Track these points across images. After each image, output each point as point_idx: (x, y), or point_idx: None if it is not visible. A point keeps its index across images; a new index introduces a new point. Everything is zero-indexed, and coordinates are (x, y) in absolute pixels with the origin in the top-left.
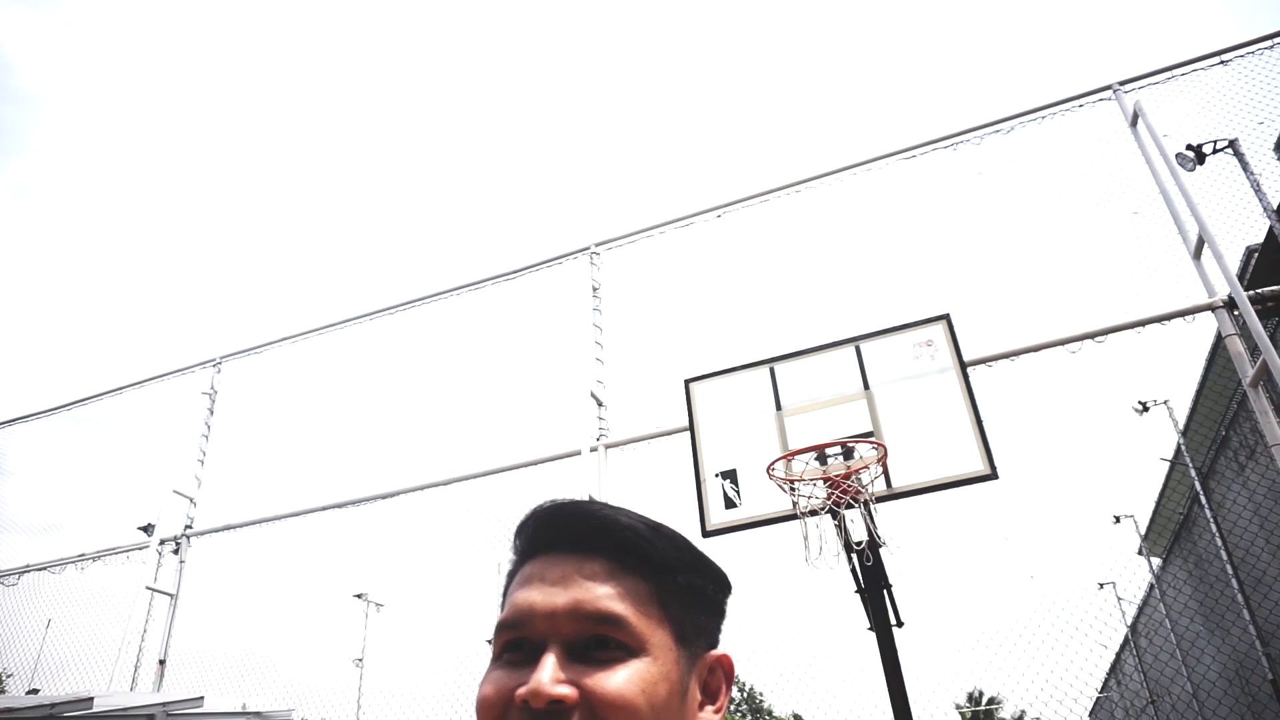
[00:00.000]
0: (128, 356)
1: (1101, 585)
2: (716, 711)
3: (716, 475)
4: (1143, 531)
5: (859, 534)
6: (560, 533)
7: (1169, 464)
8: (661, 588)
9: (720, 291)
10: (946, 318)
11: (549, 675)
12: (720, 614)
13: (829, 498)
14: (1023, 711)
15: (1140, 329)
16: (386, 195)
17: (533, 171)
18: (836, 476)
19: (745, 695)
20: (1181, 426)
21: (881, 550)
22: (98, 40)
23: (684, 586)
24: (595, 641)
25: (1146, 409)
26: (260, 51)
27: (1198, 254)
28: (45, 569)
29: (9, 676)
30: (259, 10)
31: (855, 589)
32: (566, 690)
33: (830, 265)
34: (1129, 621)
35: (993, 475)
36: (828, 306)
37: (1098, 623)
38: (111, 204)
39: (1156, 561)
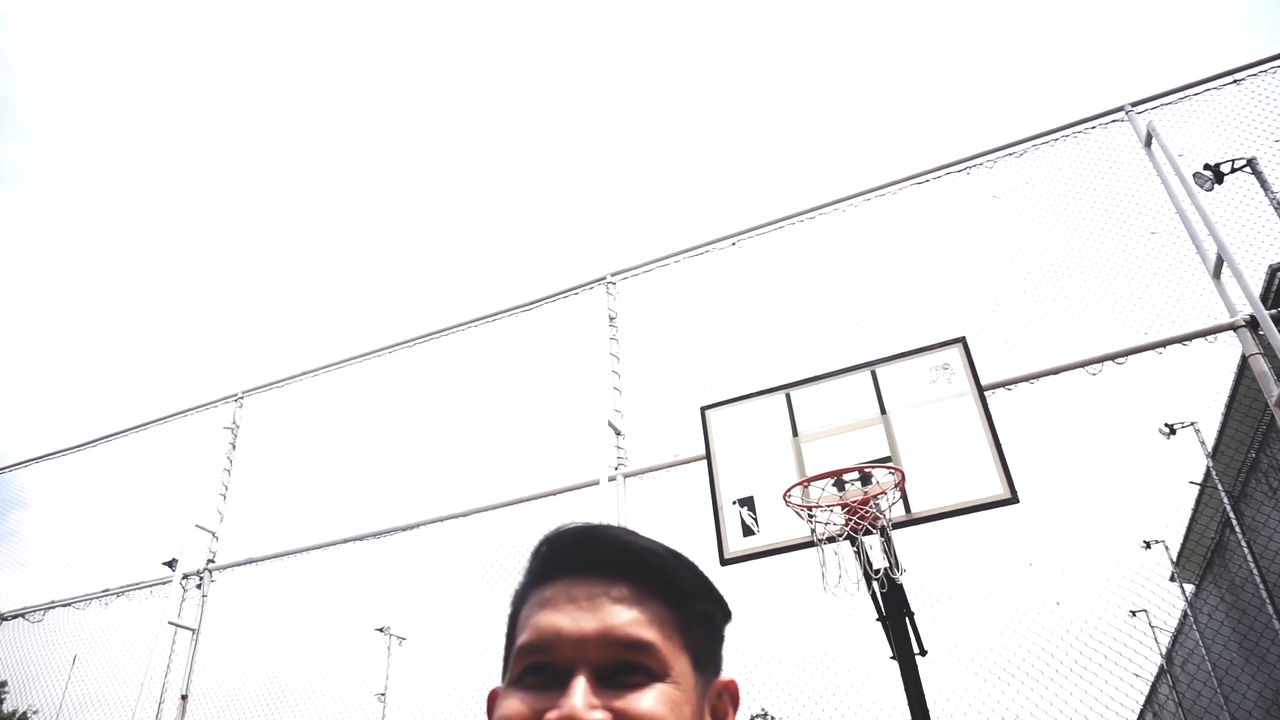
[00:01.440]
0: (150, 392)
1: (1134, 613)
2: None
3: (734, 503)
4: (1174, 557)
5: (878, 560)
6: (585, 556)
7: (1199, 487)
8: (682, 615)
9: (736, 319)
10: (963, 341)
11: (583, 700)
12: (723, 641)
13: (847, 524)
14: None
15: (1161, 350)
16: (403, 229)
17: (548, 203)
18: (854, 502)
19: None
20: (1210, 449)
21: (902, 577)
22: (116, 77)
23: (701, 614)
24: (624, 668)
25: (1174, 432)
26: (275, 89)
27: (1217, 273)
28: (70, 605)
29: (35, 714)
30: (282, 48)
31: (876, 617)
32: (601, 716)
33: (845, 291)
34: (1163, 650)
35: (1013, 499)
36: (843, 332)
37: (1129, 652)
38: (131, 240)
39: (1190, 588)
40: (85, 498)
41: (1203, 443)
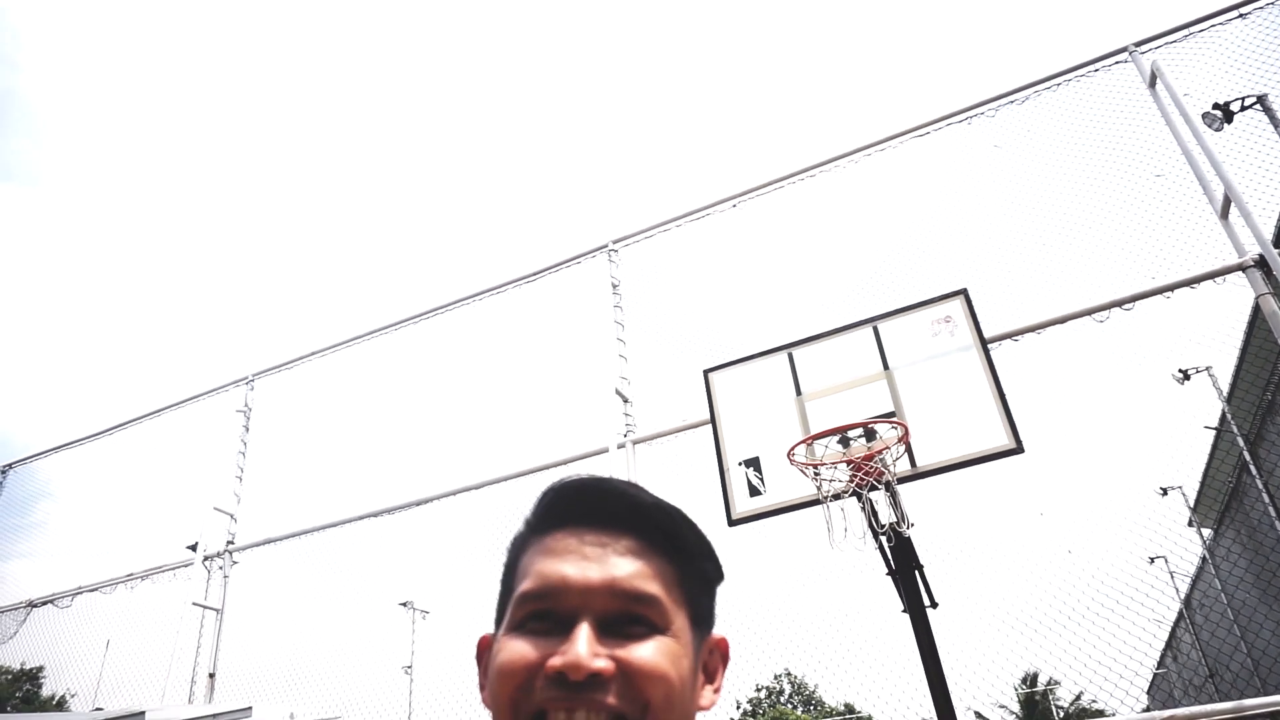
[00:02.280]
0: (164, 378)
1: (1153, 559)
2: (715, 690)
3: (740, 464)
4: (1192, 503)
5: (885, 515)
6: (592, 507)
7: (1215, 432)
8: (683, 571)
9: (739, 280)
10: (964, 293)
11: (587, 648)
12: (716, 599)
13: (852, 480)
14: (1080, 692)
15: (1169, 294)
16: (407, 206)
17: (550, 173)
18: (859, 459)
19: (795, 687)
20: (1226, 393)
21: (910, 531)
22: (120, 71)
23: (699, 571)
24: (627, 618)
25: (1188, 377)
26: (281, 75)
27: (1224, 214)
28: (97, 590)
29: (73, 696)
30: (280, 30)
31: (886, 571)
32: (605, 664)
33: (848, 248)
34: (1183, 596)
35: (1018, 449)
36: (847, 289)
37: (1151, 598)
38: (138, 230)
39: (1208, 533)
40: (106, 485)
41: (1218, 387)
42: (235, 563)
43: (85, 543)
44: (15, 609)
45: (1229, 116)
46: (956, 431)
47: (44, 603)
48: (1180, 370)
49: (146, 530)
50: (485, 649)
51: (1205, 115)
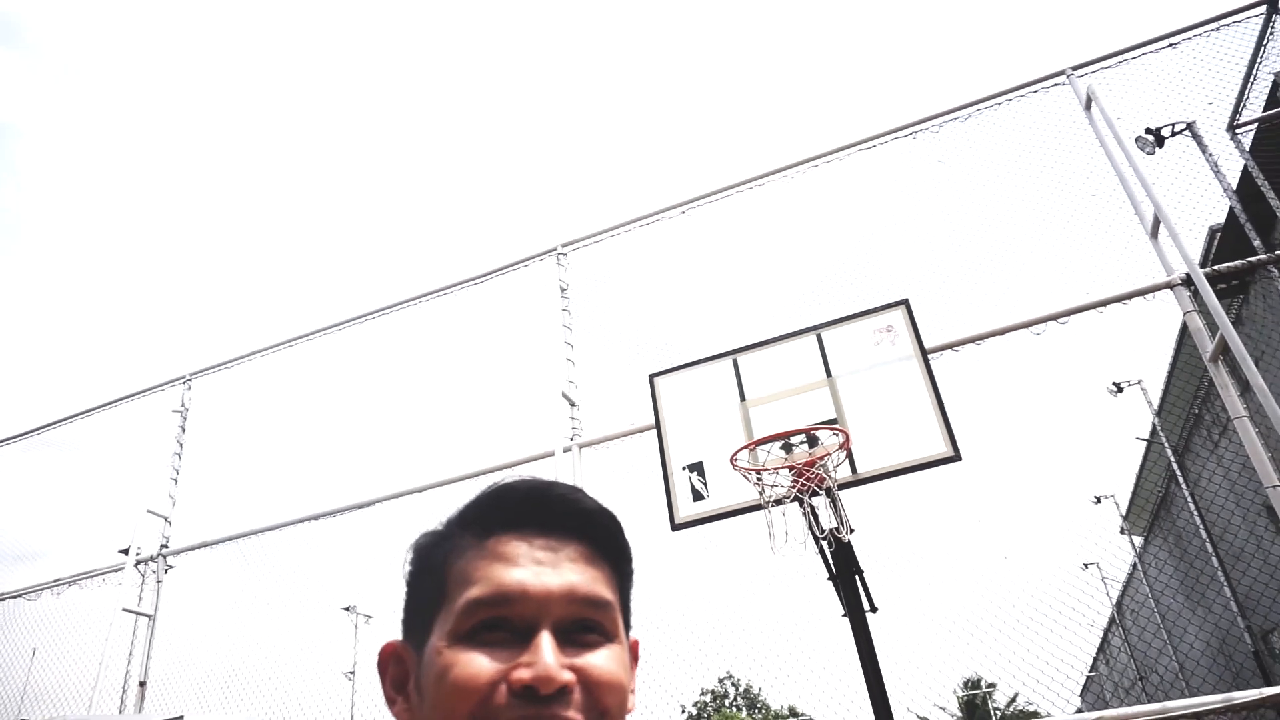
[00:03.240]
0: (96, 377)
1: (1086, 566)
2: (633, 692)
3: (684, 468)
4: (1123, 511)
5: (827, 521)
6: (538, 513)
7: (1145, 443)
8: (620, 575)
9: (687, 287)
10: (905, 303)
11: (554, 659)
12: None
13: (794, 486)
14: (1016, 694)
15: (1101, 309)
16: (350, 205)
17: (497, 176)
18: (800, 465)
19: (740, 691)
20: (1156, 406)
21: (850, 537)
22: (69, 54)
23: (629, 575)
24: (581, 625)
25: (1121, 390)
26: (226, 64)
27: (1154, 233)
28: (21, 596)
29: None
30: (223, 28)
31: (827, 576)
32: (570, 675)
33: (795, 256)
34: (1115, 600)
35: (956, 457)
36: (792, 297)
37: (1084, 603)
38: (76, 222)
39: (1139, 540)
40: (34, 487)
41: (1149, 400)
42: (170, 567)
43: (10, 547)
44: None
45: (1160, 141)
46: (896, 439)
47: None
48: (1114, 383)
49: (76, 534)
50: (391, 658)
51: (1138, 139)
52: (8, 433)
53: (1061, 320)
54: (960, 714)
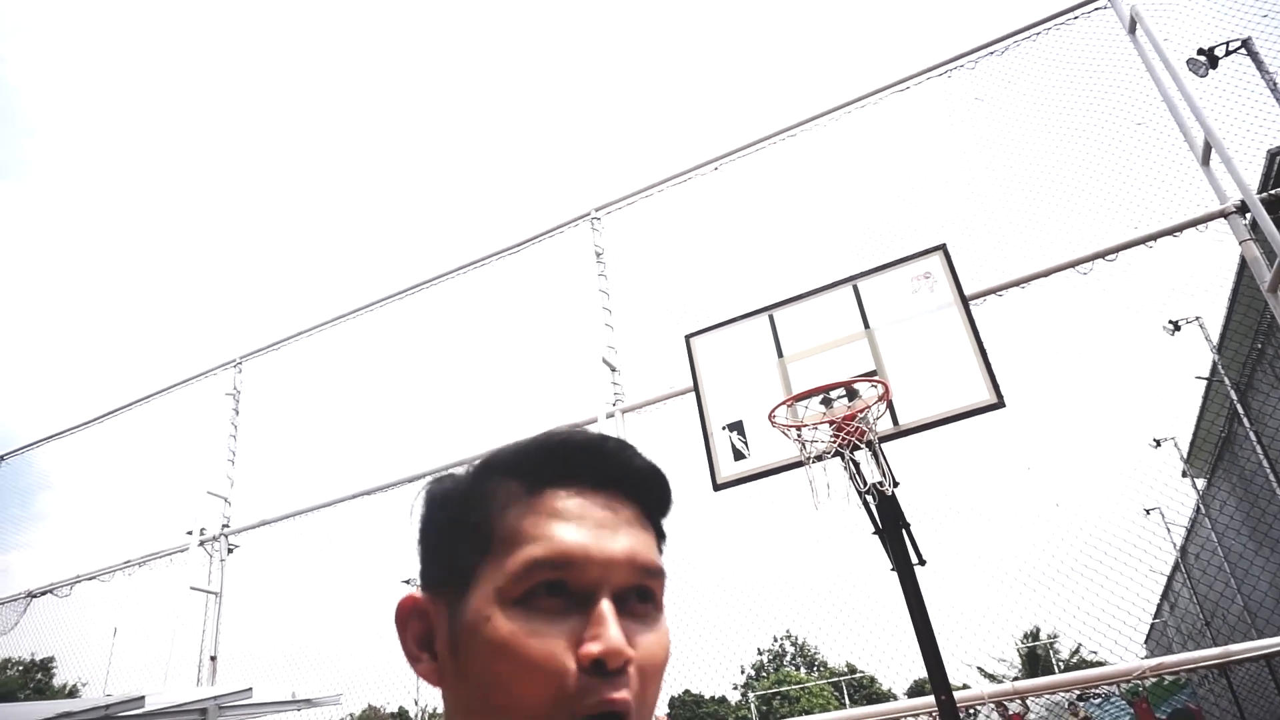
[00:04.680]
0: (152, 365)
1: (1148, 511)
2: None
3: (724, 428)
4: (1185, 453)
5: (870, 475)
6: (595, 467)
7: (1206, 382)
8: (660, 539)
9: (722, 244)
10: (943, 248)
11: (620, 633)
12: None
13: (835, 440)
14: (1079, 645)
15: (1151, 244)
16: (388, 183)
17: (529, 143)
18: (840, 419)
19: (798, 649)
20: (1216, 343)
21: (895, 490)
22: (106, 55)
23: (664, 539)
24: (638, 594)
25: (1178, 328)
26: (260, 59)
27: (1205, 160)
28: (95, 578)
29: (84, 685)
30: (257, 15)
31: (873, 530)
32: (633, 651)
33: (830, 206)
34: (1178, 545)
35: (999, 404)
36: (829, 249)
37: (1146, 549)
38: (120, 222)
39: (1201, 483)
40: (101, 473)
41: (1208, 338)
42: (235, 547)
43: (82, 531)
44: (15, 600)
45: (1214, 62)
46: (938, 388)
47: (43, 593)
48: (1170, 322)
49: (142, 516)
50: (412, 612)
51: (1190, 61)
52: (74, 421)
53: (1109, 258)
54: (1021, 666)
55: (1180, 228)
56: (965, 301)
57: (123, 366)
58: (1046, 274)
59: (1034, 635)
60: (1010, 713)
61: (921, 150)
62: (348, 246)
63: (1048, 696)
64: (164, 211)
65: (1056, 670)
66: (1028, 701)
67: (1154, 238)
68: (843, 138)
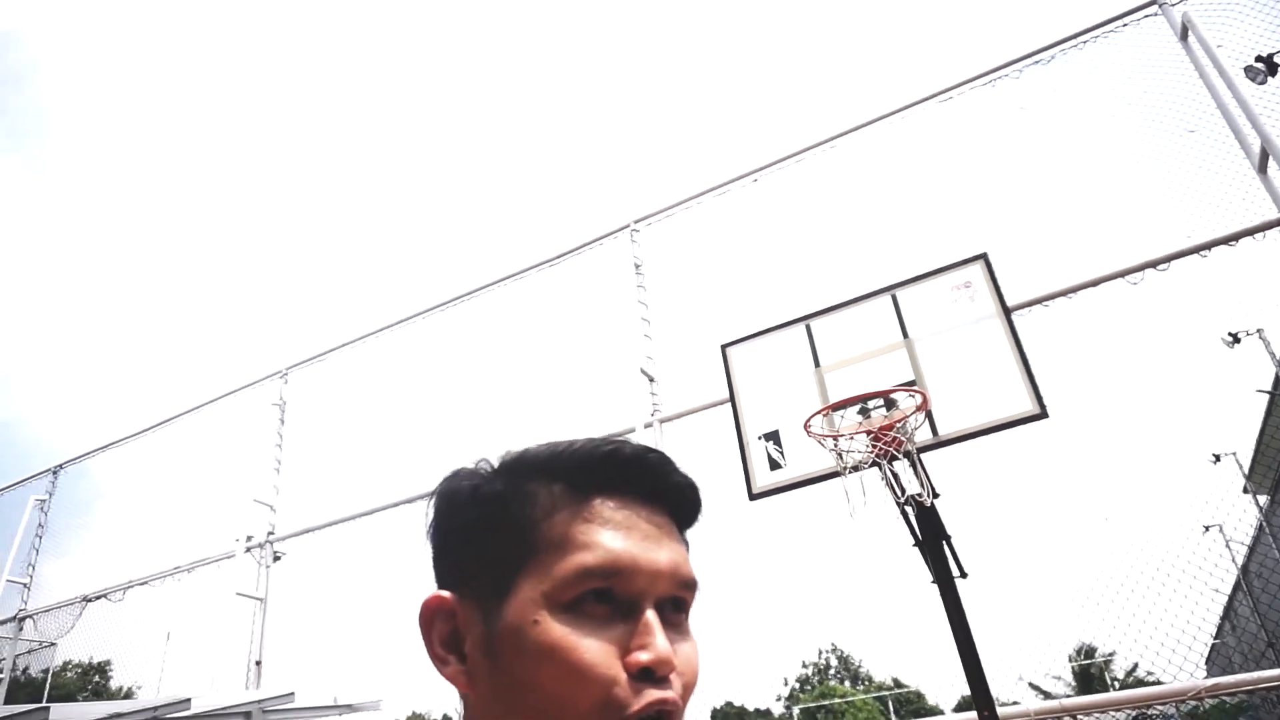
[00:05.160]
0: (201, 375)
1: (1207, 528)
2: None
3: (760, 438)
4: (1246, 469)
5: (909, 486)
6: (643, 479)
7: (1269, 395)
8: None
9: (761, 254)
10: (984, 257)
11: (667, 643)
12: None
13: (873, 450)
14: (1135, 664)
15: (1205, 253)
16: (431, 195)
17: (569, 156)
18: (877, 429)
19: (841, 661)
20: (1279, 356)
21: (935, 501)
22: (149, 57)
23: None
24: (674, 604)
25: (1237, 340)
26: (298, 64)
27: (1263, 168)
28: (146, 583)
29: (139, 688)
30: (297, 20)
31: (913, 542)
32: (677, 662)
33: (870, 217)
34: (1240, 563)
35: (1043, 415)
36: (869, 259)
37: (1206, 567)
38: (163, 234)
39: (1264, 499)
40: (151, 482)
41: (1270, 350)
42: (281, 555)
43: (134, 538)
44: (71, 604)
45: (1273, 69)
46: (978, 399)
47: (97, 597)
48: (1229, 334)
49: (191, 524)
50: (438, 612)
51: (1248, 69)
52: (126, 432)
53: (1161, 267)
54: (1075, 684)
55: (1236, 236)
56: (1007, 311)
57: (172, 378)
58: (1095, 284)
59: (1088, 653)
60: None
61: (963, 160)
62: (390, 259)
63: (1098, 716)
64: (211, 227)
65: (1112, 690)
66: (1079, 719)
67: (1208, 247)
68: (883, 148)
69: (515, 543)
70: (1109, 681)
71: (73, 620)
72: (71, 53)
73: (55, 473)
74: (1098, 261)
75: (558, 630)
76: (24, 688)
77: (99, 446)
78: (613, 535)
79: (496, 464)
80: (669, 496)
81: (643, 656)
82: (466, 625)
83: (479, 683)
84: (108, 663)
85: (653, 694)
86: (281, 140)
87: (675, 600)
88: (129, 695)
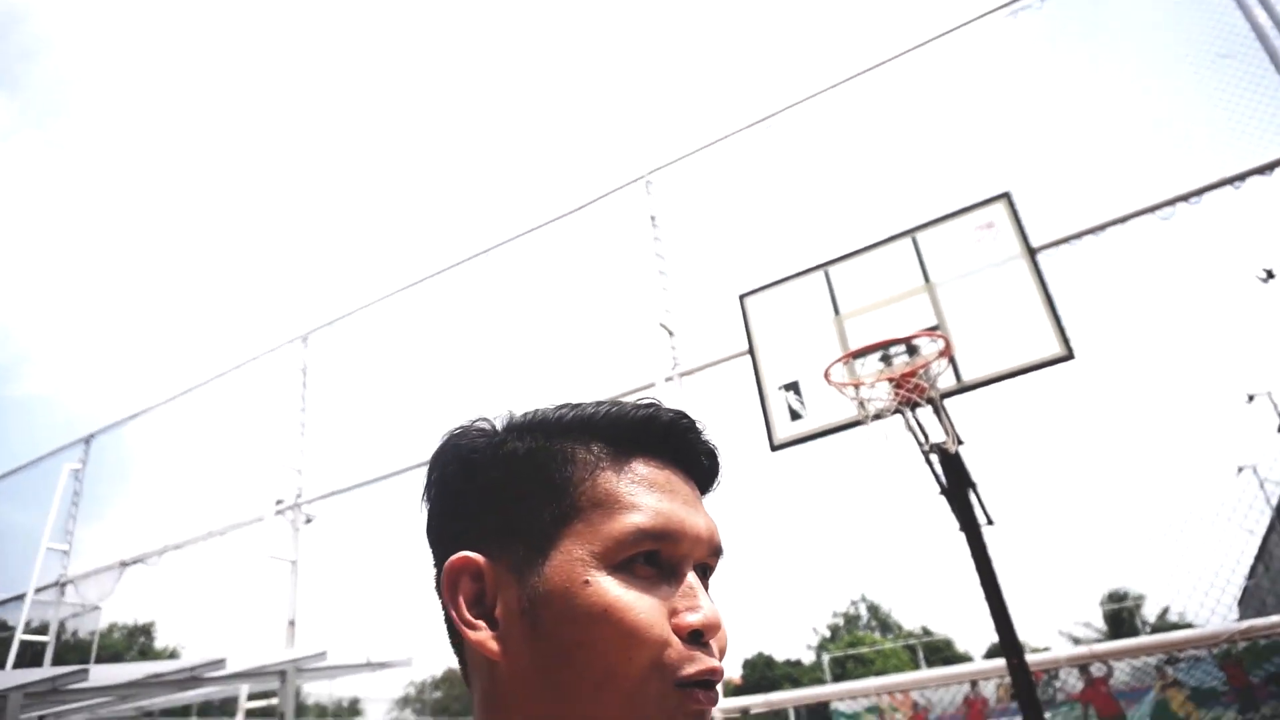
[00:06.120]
0: (223, 342)
1: (1241, 469)
2: None
3: (780, 388)
4: None
5: (933, 433)
6: (683, 444)
7: None
8: None
9: (777, 200)
10: (1007, 196)
11: (714, 606)
12: None
13: (895, 398)
14: (1165, 608)
15: (1238, 184)
16: (440, 153)
17: (581, 107)
18: (900, 376)
19: (873, 613)
20: None
21: (960, 448)
22: (171, 25)
23: None
24: (703, 571)
25: (1272, 275)
26: (313, 32)
27: None
28: (181, 548)
29: (183, 649)
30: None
31: (939, 490)
32: None
33: (890, 160)
34: (1275, 504)
35: (1069, 356)
36: (889, 204)
37: (1240, 508)
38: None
39: None
40: (181, 448)
41: None
42: (312, 518)
43: (168, 504)
44: (110, 569)
45: None
46: (1003, 341)
47: (134, 561)
48: (1265, 270)
49: (223, 488)
50: (465, 572)
51: None
52: (156, 400)
53: (1192, 200)
54: (1106, 628)
55: (1271, 165)
56: (1032, 251)
57: (196, 345)
58: (1124, 220)
59: (1119, 598)
60: (1094, 676)
61: (983, 96)
62: (403, 219)
63: (1129, 661)
64: (225, 196)
65: (1142, 634)
66: (1111, 665)
67: (1241, 177)
68: (900, 87)
69: (554, 502)
70: (1139, 625)
71: (112, 584)
72: (86, 23)
73: (88, 442)
74: (1127, 197)
75: (612, 591)
76: (73, 649)
77: (128, 416)
78: (659, 498)
79: (501, 424)
80: (706, 464)
81: (693, 619)
82: (497, 587)
83: (513, 648)
84: (151, 624)
85: (705, 661)
86: (297, 103)
87: (704, 566)
88: (174, 655)
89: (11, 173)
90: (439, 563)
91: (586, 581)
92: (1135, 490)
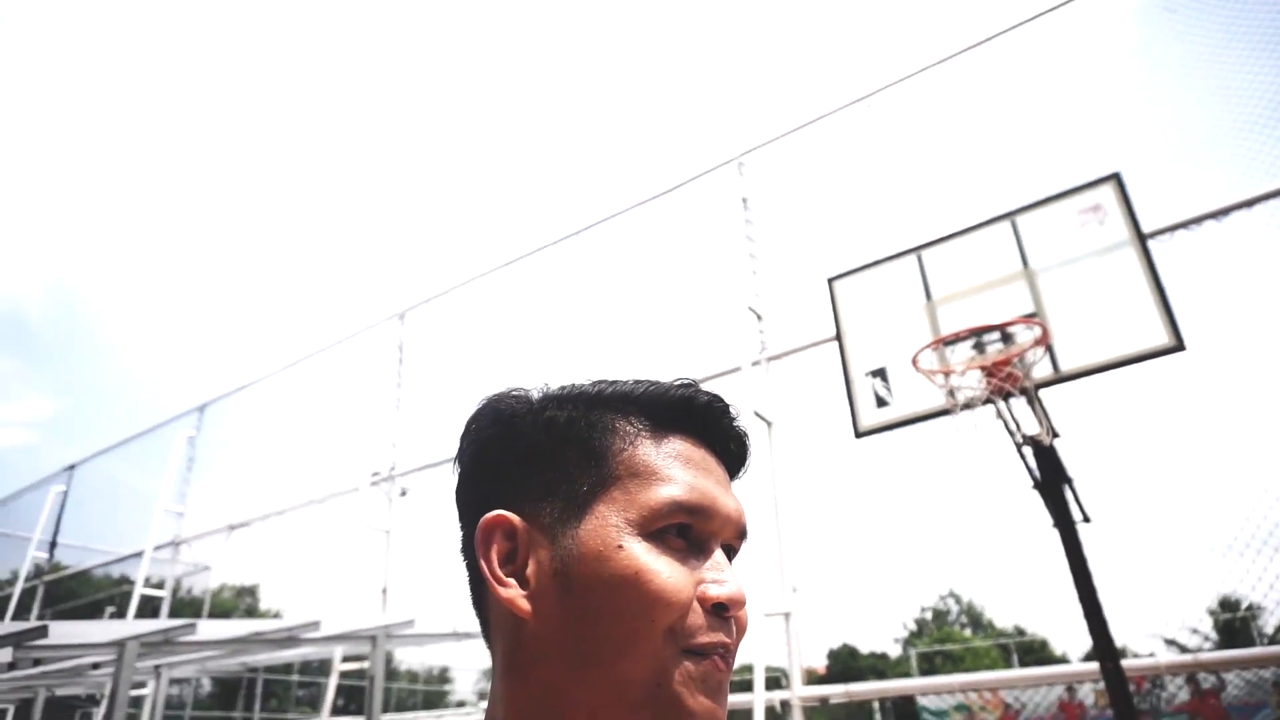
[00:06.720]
0: (324, 319)
1: None
2: None
3: (867, 374)
4: None
5: (1028, 425)
6: (718, 425)
7: None
8: None
9: (870, 183)
10: (1116, 177)
11: (738, 582)
12: None
13: (988, 387)
14: None
15: None
16: (538, 133)
17: (675, 89)
18: (993, 364)
19: (964, 609)
20: None
21: (1056, 441)
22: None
23: None
24: (728, 552)
25: None
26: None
27: None
28: (281, 514)
29: (285, 611)
30: None
31: (1032, 485)
32: None
33: (990, 141)
34: None
35: (1179, 347)
36: (988, 187)
37: None
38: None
39: None
40: (284, 420)
41: None
42: (406, 490)
43: (272, 472)
44: (218, 532)
45: None
46: (1105, 330)
47: (240, 525)
48: None
49: (322, 458)
50: (499, 530)
51: None
52: (259, 375)
53: None
54: (1217, 637)
55: None
56: (1143, 237)
57: (303, 320)
58: (1249, 204)
59: (1232, 605)
60: (1204, 688)
61: (1091, 70)
62: (498, 200)
63: (1238, 673)
64: (331, 175)
65: (1260, 644)
66: (1223, 677)
67: None
68: (1001, 62)
69: (594, 468)
70: (1254, 636)
71: (221, 547)
72: None
73: (201, 410)
74: (1252, 180)
75: (644, 556)
76: (188, 605)
77: (238, 387)
78: (695, 474)
79: (538, 395)
80: (736, 448)
81: (719, 591)
82: (530, 547)
83: (544, 606)
84: (256, 586)
85: (720, 632)
86: (405, 87)
87: (730, 548)
88: (276, 616)
89: (131, 149)
90: (468, 524)
91: (620, 546)
92: (1251, 492)
